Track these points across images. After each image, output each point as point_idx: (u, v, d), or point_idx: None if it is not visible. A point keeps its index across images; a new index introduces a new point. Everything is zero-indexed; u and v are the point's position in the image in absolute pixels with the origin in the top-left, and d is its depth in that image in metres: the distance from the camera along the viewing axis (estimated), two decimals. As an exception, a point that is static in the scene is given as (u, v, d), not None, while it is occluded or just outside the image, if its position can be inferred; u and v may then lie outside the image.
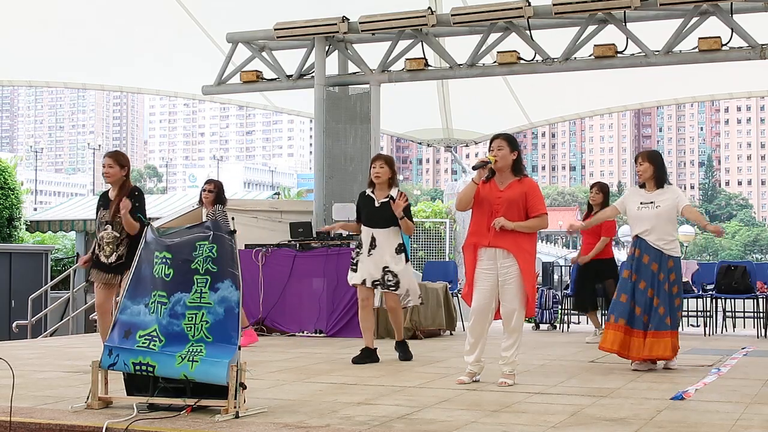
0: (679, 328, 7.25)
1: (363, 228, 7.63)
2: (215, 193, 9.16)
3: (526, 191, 6.14)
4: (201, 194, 9.27)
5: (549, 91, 13.99)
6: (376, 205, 7.57)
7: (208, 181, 9.46)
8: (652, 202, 6.96)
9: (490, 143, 6.22)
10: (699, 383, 6.10)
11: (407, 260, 7.60)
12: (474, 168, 6.19)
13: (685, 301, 10.32)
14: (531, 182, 6.26)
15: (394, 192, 7.55)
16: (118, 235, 6.92)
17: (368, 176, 7.72)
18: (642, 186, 7.15)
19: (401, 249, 7.53)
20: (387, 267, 7.45)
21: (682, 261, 7.71)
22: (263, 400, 5.26)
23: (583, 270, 9.87)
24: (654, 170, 7.05)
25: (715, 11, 10.35)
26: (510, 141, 6.17)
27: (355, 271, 7.60)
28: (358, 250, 7.63)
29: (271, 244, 10.71)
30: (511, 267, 6.06)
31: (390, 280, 7.44)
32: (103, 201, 7.14)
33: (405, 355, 7.67)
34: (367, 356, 7.52)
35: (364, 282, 7.52)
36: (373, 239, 7.50)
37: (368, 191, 7.67)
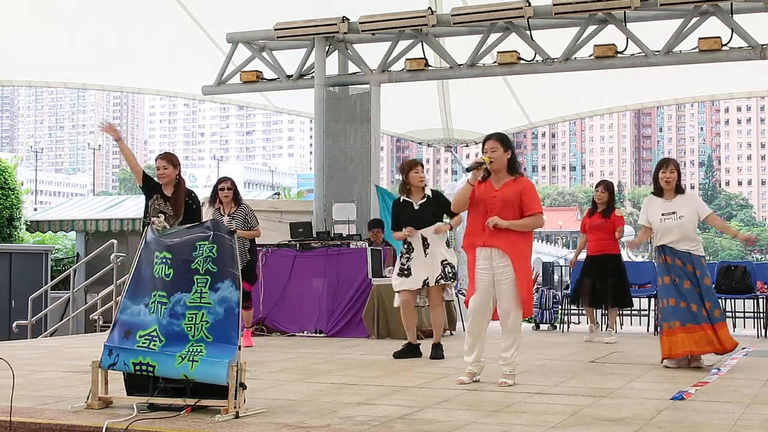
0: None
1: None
2: (234, 190, 9.02)
3: (521, 190, 6.10)
4: (217, 193, 8.94)
5: (549, 91, 13.99)
6: (416, 207, 7.76)
7: (225, 179, 9.15)
8: (674, 213, 7.02)
9: (483, 144, 6.21)
10: (699, 383, 6.11)
11: None
12: (468, 170, 6.19)
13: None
14: (526, 181, 6.22)
15: (428, 191, 7.85)
16: (167, 226, 7.22)
17: (403, 183, 7.86)
18: (659, 194, 7.19)
19: (449, 243, 7.89)
20: (445, 260, 7.70)
21: None
22: (263, 400, 5.26)
23: (591, 264, 9.70)
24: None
25: (715, 11, 10.35)
26: (502, 141, 6.14)
27: (406, 276, 7.71)
28: (408, 255, 7.73)
29: (271, 244, 10.70)
30: (506, 267, 6.04)
31: (449, 272, 7.72)
32: (156, 190, 7.74)
33: (437, 353, 7.78)
34: (410, 351, 7.84)
35: (426, 283, 7.67)
36: (425, 239, 7.67)
37: (403, 197, 7.84)
